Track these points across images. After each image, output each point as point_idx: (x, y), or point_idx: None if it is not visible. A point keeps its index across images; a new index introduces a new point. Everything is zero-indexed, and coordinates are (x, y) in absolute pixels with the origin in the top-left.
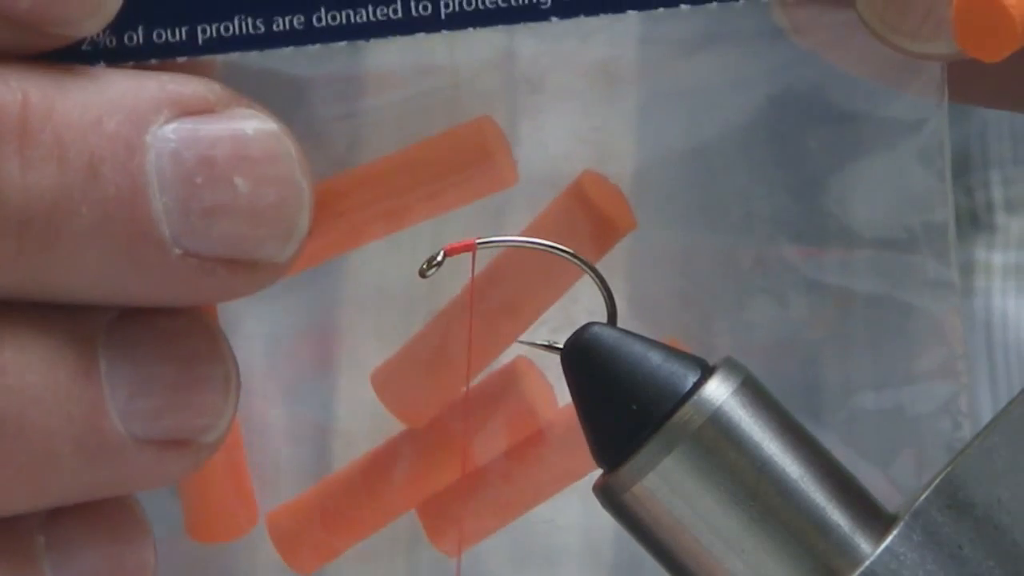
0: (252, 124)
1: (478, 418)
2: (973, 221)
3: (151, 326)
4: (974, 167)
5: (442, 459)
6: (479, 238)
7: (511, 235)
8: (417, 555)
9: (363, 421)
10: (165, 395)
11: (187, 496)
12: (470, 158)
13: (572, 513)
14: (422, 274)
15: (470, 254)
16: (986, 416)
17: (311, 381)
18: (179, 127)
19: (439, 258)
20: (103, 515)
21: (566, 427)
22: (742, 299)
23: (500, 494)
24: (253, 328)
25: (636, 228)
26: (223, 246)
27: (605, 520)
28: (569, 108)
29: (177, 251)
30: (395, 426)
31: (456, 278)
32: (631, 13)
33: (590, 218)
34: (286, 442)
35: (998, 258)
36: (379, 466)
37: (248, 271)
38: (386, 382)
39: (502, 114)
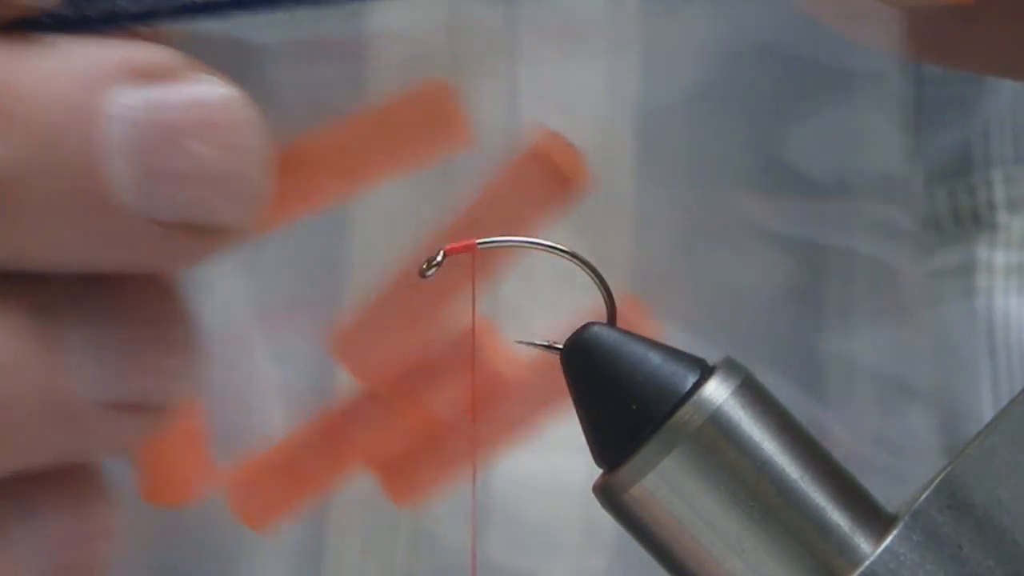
0: (211, 90)
1: (439, 379)
2: (975, 220)
3: (112, 292)
4: (976, 166)
5: (398, 416)
6: (479, 239)
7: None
8: (416, 539)
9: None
10: (127, 359)
11: (141, 459)
12: (427, 119)
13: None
14: (422, 274)
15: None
16: (987, 416)
17: (307, 350)
18: (138, 94)
19: (439, 258)
20: (65, 482)
21: (527, 381)
22: (702, 253)
23: (459, 448)
24: (247, 295)
25: (594, 187)
26: (184, 212)
27: None
28: (536, 72)
29: (138, 218)
30: None
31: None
32: None
33: (546, 176)
34: (281, 410)
35: (1000, 257)
36: (335, 422)
37: (209, 237)
38: (345, 344)
39: (471, 77)
